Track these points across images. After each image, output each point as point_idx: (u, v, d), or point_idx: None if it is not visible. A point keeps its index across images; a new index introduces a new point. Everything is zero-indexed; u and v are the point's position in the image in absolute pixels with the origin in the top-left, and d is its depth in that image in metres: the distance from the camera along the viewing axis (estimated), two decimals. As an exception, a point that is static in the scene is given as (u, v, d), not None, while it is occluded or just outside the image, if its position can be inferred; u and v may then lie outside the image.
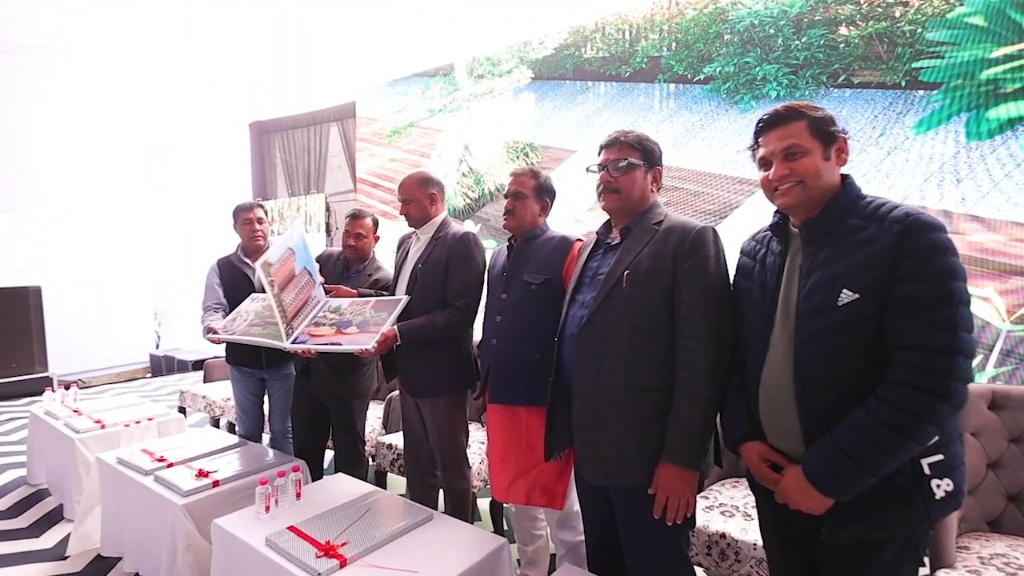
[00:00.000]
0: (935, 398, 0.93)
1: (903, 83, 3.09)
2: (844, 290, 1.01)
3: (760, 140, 1.15)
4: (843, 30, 3.24)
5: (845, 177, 1.12)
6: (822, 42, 3.30)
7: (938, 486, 0.98)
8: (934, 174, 3.00)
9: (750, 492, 2.02)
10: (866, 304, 0.99)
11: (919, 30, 3.03)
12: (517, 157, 4.61)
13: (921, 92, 3.05)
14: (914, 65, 3.04)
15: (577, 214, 4.09)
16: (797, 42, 3.37)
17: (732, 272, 1.38)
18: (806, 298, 1.07)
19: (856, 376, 1.02)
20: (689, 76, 3.75)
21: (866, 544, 1.04)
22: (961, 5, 2.92)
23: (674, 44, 3.82)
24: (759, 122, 1.15)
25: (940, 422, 0.94)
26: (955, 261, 0.96)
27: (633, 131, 1.52)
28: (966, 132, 2.95)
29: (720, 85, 3.63)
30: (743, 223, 3.44)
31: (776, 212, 1.21)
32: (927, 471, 0.98)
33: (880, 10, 3.13)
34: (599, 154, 1.56)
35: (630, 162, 1.47)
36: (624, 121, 3.98)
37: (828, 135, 1.09)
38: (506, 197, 1.95)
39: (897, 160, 3.07)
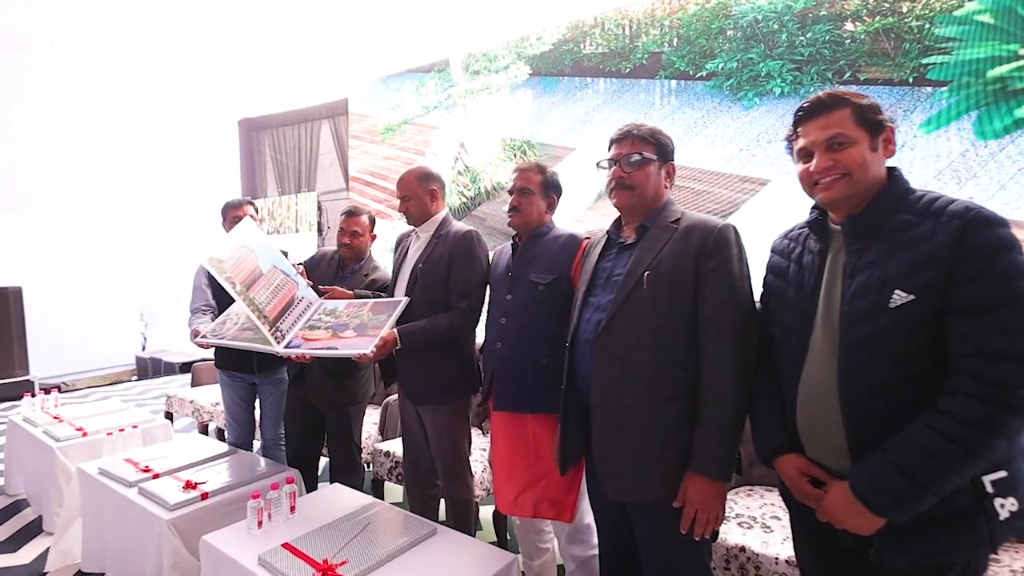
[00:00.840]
0: (1005, 410, 0.85)
1: (910, 79, 3.03)
2: (897, 291, 0.93)
3: (799, 130, 1.07)
4: (849, 26, 3.18)
5: (892, 170, 1.04)
6: (827, 38, 3.23)
7: (1002, 506, 0.90)
8: (942, 172, 2.94)
9: (766, 501, 1.95)
10: (922, 306, 0.91)
11: (927, 26, 2.98)
12: (514, 155, 4.52)
13: (928, 89, 2.99)
14: (922, 61, 2.98)
15: (577, 213, 4.01)
16: (802, 38, 3.31)
17: (751, 272, 1.31)
18: (852, 300, 0.99)
19: (908, 383, 0.94)
20: (691, 72, 3.68)
21: (921, 569, 0.96)
22: (971, 1, 2.87)
23: (675, 39, 3.75)
24: (798, 110, 1.07)
25: (1011, 436, 0.86)
26: (1022, 259, 0.88)
27: (645, 124, 1.44)
28: (975, 131, 2.90)
29: (723, 82, 3.57)
30: (746, 222, 3.37)
31: (814, 208, 1.13)
32: (990, 489, 0.90)
33: (887, 5, 3.08)
34: (609, 149, 1.48)
35: (644, 156, 1.39)
36: (624, 119, 3.90)
37: (875, 124, 1.01)
38: (510, 193, 1.86)
39: (904, 158, 3.01)
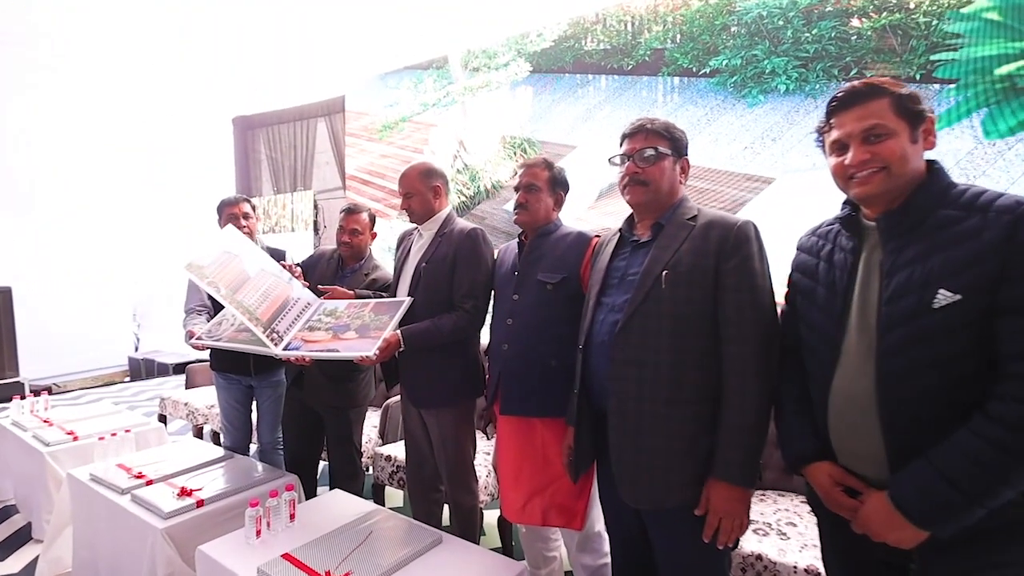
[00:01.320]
0: None
1: (917, 76, 2.99)
2: (941, 291, 0.87)
3: (833, 121, 1.01)
4: (855, 22, 3.13)
5: (932, 162, 0.99)
6: (833, 34, 3.19)
7: (1054, 519, 0.85)
8: (949, 171, 2.90)
9: (780, 507, 1.90)
10: (969, 306, 0.86)
11: (934, 22, 2.94)
12: (514, 153, 4.46)
13: (936, 86, 2.95)
14: (930, 58, 2.94)
15: (578, 212, 3.95)
16: (807, 34, 3.26)
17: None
18: (891, 300, 0.93)
19: (952, 387, 0.89)
20: (694, 69, 3.63)
21: (966, 584, 0.91)
22: (979, -3, 2.83)
23: (679, 36, 3.70)
24: (832, 100, 1.01)
25: None
26: None
27: (658, 118, 1.40)
28: (983, 130, 2.86)
29: (727, 79, 3.51)
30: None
31: (845, 203, 1.08)
32: (1042, 501, 0.85)
33: (894, 2, 3.03)
34: (621, 144, 1.44)
35: (658, 151, 1.35)
36: (626, 116, 3.86)
37: (915, 115, 0.95)
38: (516, 190, 1.81)
39: (911, 156, 2.97)
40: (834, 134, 1.01)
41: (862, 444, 0.98)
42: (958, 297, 0.86)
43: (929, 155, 1.00)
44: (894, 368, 0.92)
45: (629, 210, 1.48)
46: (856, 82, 0.98)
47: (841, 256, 1.05)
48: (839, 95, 1.00)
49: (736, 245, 1.24)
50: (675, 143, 1.39)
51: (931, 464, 0.87)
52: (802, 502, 1.93)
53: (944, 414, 0.89)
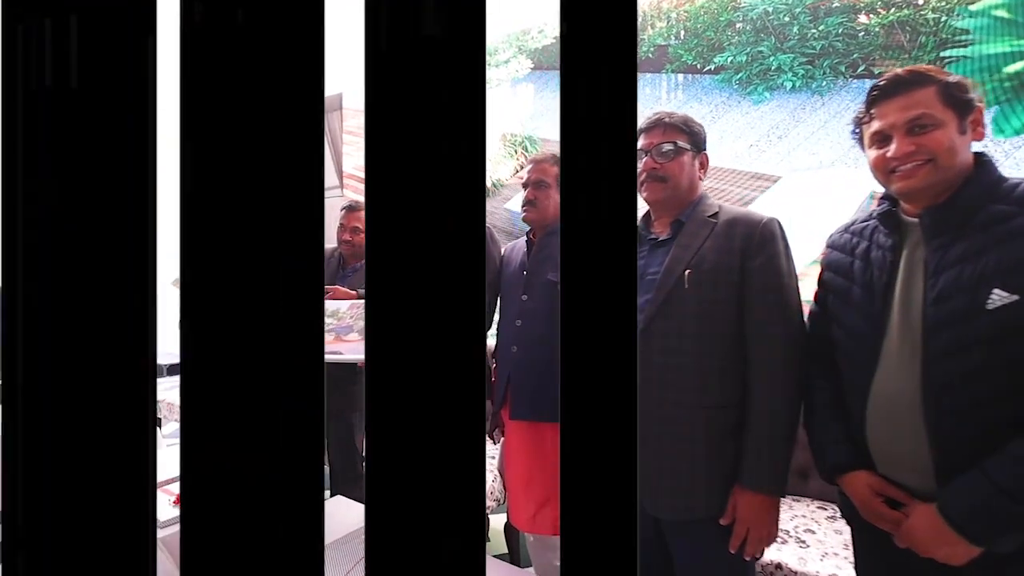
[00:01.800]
0: None
1: (926, 74, 2.96)
2: (996, 290, 0.82)
3: (873, 111, 0.96)
4: (863, 18, 3.10)
5: (980, 155, 0.94)
6: (840, 31, 3.15)
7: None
8: (959, 169, 2.87)
9: (796, 513, 1.85)
10: None
11: (943, 18, 2.90)
12: (515, 151, 4.41)
13: (945, 83, 2.92)
14: (940, 55, 2.91)
15: (581, 211, 3.91)
16: (814, 30, 3.22)
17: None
18: (938, 301, 0.88)
19: (1006, 394, 0.84)
20: (699, 66, 3.59)
21: (1020, 604, 0.85)
22: (988, -7, 2.80)
23: (683, 32, 3.66)
24: (873, 89, 0.96)
25: None
26: None
27: (676, 112, 1.37)
28: (992, 128, 2.83)
29: (732, 76, 3.47)
30: (757, 220, 3.28)
31: (884, 198, 1.02)
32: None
33: (902, -3, 3.00)
34: (637, 139, 1.38)
35: (677, 146, 1.31)
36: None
37: (964, 104, 0.90)
38: (525, 187, 1.76)
39: (919, 154, 2.93)
40: (875, 125, 0.95)
41: (906, 452, 0.93)
42: (1016, 298, 0.81)
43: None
44: (942, 372, 0.87)
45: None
46: (899, 69, 0.94)
47: (879, 254, 1.00)
48: (881, 83, 0.95)
49: (761, 243, 1.19)
50: (694, 137, 1.36)
51: (986, 475, 0.82)
52: (818, 507, 1.88)
53: (999, 421, 0.84)
